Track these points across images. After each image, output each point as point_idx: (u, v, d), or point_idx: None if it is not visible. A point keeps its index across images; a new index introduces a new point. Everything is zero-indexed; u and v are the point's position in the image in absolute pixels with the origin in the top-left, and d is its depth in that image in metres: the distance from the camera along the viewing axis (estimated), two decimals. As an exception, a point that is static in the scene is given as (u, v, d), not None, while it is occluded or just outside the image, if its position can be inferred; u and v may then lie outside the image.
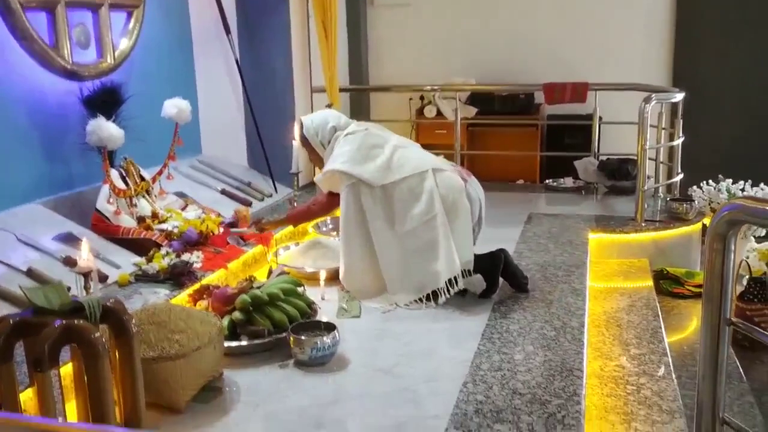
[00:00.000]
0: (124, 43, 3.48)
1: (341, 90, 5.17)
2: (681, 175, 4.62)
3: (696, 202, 4.28)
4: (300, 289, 2.70)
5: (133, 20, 3.53)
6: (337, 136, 3.14)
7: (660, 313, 3.32)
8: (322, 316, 2.66)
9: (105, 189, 3.12)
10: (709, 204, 4.31)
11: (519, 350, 2.47)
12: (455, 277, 2.88)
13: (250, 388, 2.26)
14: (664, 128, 4.64)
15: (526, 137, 6.06)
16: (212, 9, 4.18)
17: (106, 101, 3.18)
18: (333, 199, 3.19)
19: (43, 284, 2.47)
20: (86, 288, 2.22)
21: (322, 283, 3.00)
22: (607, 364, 2.76)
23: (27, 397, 1.86)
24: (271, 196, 4.28)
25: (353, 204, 2.96)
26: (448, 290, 2.88)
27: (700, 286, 3.78)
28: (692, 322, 3.63)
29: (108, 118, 3.08)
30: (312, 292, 2.85)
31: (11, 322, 1.75)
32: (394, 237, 2.93)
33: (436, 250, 2.88)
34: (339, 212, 3.11)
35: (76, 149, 3.15)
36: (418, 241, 2.90)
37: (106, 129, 3.01)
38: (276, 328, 2.49)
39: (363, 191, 2.95)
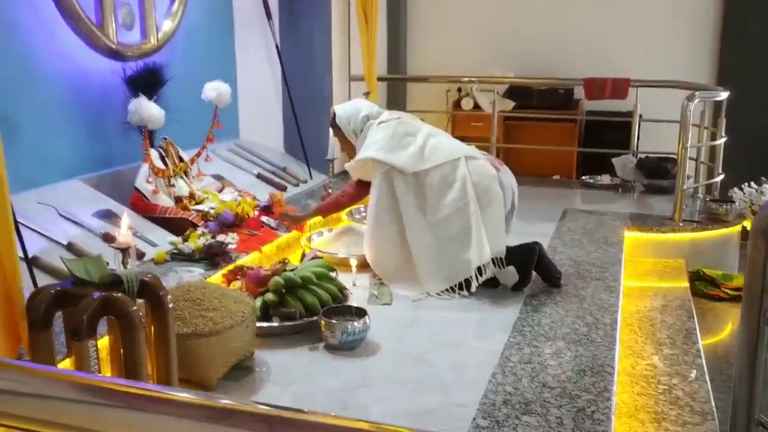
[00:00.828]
0: (167, 25, 3.52)
1: (379, 79, 5.17)
2: (722, 176, 4.53)
3: (736, 203, 4.20)
4: (332, 274, 2.71)
5: (177, 2, 3.56)
6: (369, 124, 3.15)
7: (695, 315, 3.27)
8: (353, 302, 2.67)
9: (144, 168, 3.17)
10: (750, 206, 4.23)
11: (550, 344, 2.45)
12: (484, 265, 2.87)
13: (280, 368, 2.28)
14: (706, 127, 4.57)
15: (563, 132, 6.00)
16: (255, -7, 4.21)
17: (148, 81, 3.23)
18: (362, 189, 3.21)
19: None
20: (124, 263, 2.26)
21: (353, 269, 3.01)
22: (638, 362, 2.73)
23: (65, 366, 1.90)
24: (306, 182, 4.31)
25: (386, 191, 2.97)
26: (477, 278, 2.87)
27: (737, 289, 3.73)
28: (728, 325, 3.58)
29: (150, 98, 3.12)
30: (344, 278, 2.86)
31: (51, 292, 1.79)
32: (426, 225, 2.93)
33: (468, 237, 2.88)
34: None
35: (118, 128, 3.20)
36: (450, 228, 2.90)
37: (147, 109, 3.06)
38: (307, 311, 2.51)
39: (396, 178, 2.96)
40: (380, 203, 2.99)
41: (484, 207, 2.93)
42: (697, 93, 4.18)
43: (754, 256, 1.42)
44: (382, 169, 2.98)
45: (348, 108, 3.26)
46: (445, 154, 2.98)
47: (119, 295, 1.75)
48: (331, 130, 3.53)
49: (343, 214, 3.92)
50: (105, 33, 3.13)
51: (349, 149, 3.26)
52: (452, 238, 2.90)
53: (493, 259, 2.91)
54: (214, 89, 3.45)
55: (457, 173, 2.93)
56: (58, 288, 1.80)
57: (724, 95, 4.39)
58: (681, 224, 4.08)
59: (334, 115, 3.25)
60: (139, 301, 1.85)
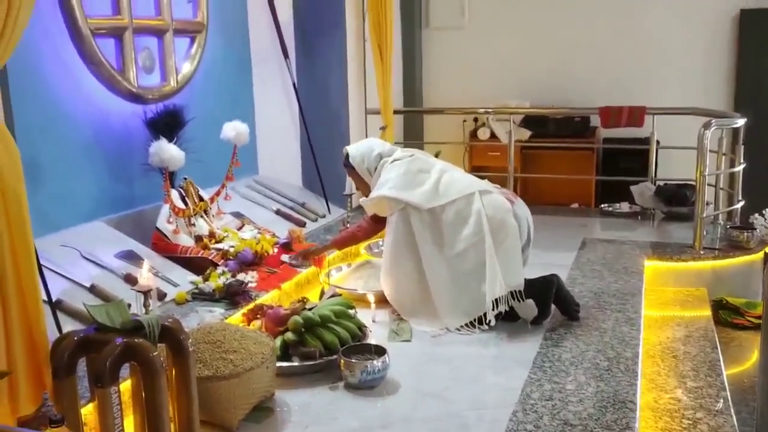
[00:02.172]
0: (186, 67, 3.60)
1: (395, 112, 5.22)
2: (742, 202, 4.50)
3: (758, 230, 4.17)
4: (351, 312, 2.73)
5: (195, 45, 3.65)
6: (383, 162, 3.19)
7: (719, 345, 3.24)
8: (373, 339, 2.68)
9: (165, 208, 3.21)
10: (772, 232, 4.19)
11: (570, 380, 2.44)
12: (499, 298, 2.86)
13: (300, 408, 2.29)
14: (724, 154, 4.55)
15: (581, 160, 6.00)
16: (271, 34, 4.29)
17: (168, 123, 3.29)
18: (377, 224, 3.27)
19: (105, 300, 2.57)
20: (145, 306, 2.30)
21: (372, 305, 3.02)
22: (661, 396, 2.70)
23: (88, 411, 1.93)
24: (324, 216, 4.34)
25: (403, 228, 3.00)
26: (494, 308, 2.86)
27: (761, 317, 3.67)
28: (753, 354, 3.53)
29: (170, 140, 3.18)
30: (363, 314, 2.87)
31: (75, 339, 1.82)
32: (443, 260, 2.95)
33: (484, 272, 2.89)
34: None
35: (139, 169, 3.26)
36: (467, 263, 2.91)
37: (167, 150, 3.11)
38: (327, 350, 2.52)
39: (412, 215, 2.99)
40: (397, 240, 3.02)
41: (501, 241, 2.94)
42: (713, 120, 4.17)
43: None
44: (397, 207, 3.01)
45: (361, 147, 3.31)
46: (459, 189, 3.01)
47: (140, 341, 1.77)
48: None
49: (362, 248, 3.95)
50: (126, 77, 3.20)
51: (364, 188, 3.30)
52: (469, 273, 2.91)
53: (511, 293, 2.91)
54: (233, 129, 3.51)
55: (471, 208, 2.95)
56: (82, 335, 1.84)
57: (741, 122, 4.37)
58: (702, 252, 4.05)
59: (347, 155, 3.30)
60: (160, 345, 1.87)
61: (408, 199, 2.99)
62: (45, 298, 2.37)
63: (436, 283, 2.94)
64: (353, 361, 2.40)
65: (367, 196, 3.22)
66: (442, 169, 3.13)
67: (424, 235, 2.97)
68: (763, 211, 4.30)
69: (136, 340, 1.77)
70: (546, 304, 2.95)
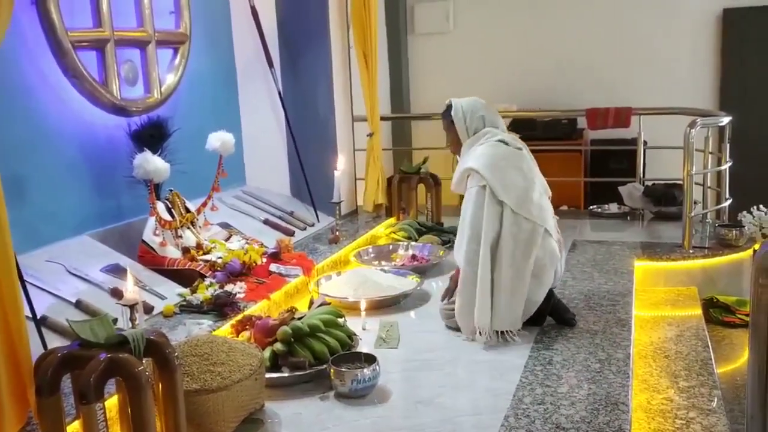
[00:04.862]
0: (170, 79, 3.57)
1: (382, 118, 5.21)
2: (729, 201, 4.52)
3: (746, 227, 4.18)
4: (341, 320, 2.71)
5: (179, 56, 3.63)
6: (485, 131, 3.07)
7: (710, 343, 3.24)
8: (363, 347, 2.66)
9: (151, 221, 3.19)
10: (760, 230, 4.20)
11: (562, 383, 2.43)
12: (509, 331, 2.82)
13: (290, 419, 2.26)
14: (711, 152, 4.57)
15: (569, 162, 6.01)
16: (255, 43, 4.28)
17: (152, 135, 3.26)
18: None
19: (91, 315, 2.54)
20: (132, 319, 2.27)
21: (362, 313, 3.00)
22: (654, 397, 2.69)
23: (74, 428, 1.91)
24: (313, 225, 4.32)
25: (478, 203, 2.87)
26: (497, 338, 2.81)
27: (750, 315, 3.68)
28: (744, 352, 3.52)
29: (154, 152, 3.15)
30: (353, 322, 2.85)
31: (58, 355, 1.80)
32: (486, 256, 2.84)
33: (506, 298, 2.83)
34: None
35: (124, 182, 3.23)
36: (503, 280, 2.83)
37: (152, 162, 3.09)
38: (316, 360, 2.50)
39: (487, 198, 2.87)
40: (476, 214, 2.89)
41: (536, 284, 2.86)
42: (699, 119, 4.19)
43: (757, 293, 1.40)
44: (480, 183, 2.90)
45: (466, 103, 3.14)
46: (535, 214, 2.88)
47: (125, 356, 1.75)
48: (337, 172, 3.53)
49: (351, 256, 3.93)
50: (109, 90, 3.18)
51: (455, 145, 3.16)
52: (503, 291, 2.83)
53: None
54: (218, 139, 3.49)
55: (531, 238, 2.85)
56: (65, 351, 1.81)
57: (726, 120, 4.40)
58: (691, 251, 4.06)
59: (450, 106, 3.15)
60: (146, 359, 1.85)
61: (492, 183, 2.86)
62: (29, 314, 2.35)
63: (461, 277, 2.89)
64: (343, 370, 2.38)
65: (454, 152, 3.17)
66: (534, 186, 2.97)
67: (487, 225, 2.85)
68: (751, 209, 4.31)
69: (120, 355, 1.75)
70: (542, 315, 2.92)
